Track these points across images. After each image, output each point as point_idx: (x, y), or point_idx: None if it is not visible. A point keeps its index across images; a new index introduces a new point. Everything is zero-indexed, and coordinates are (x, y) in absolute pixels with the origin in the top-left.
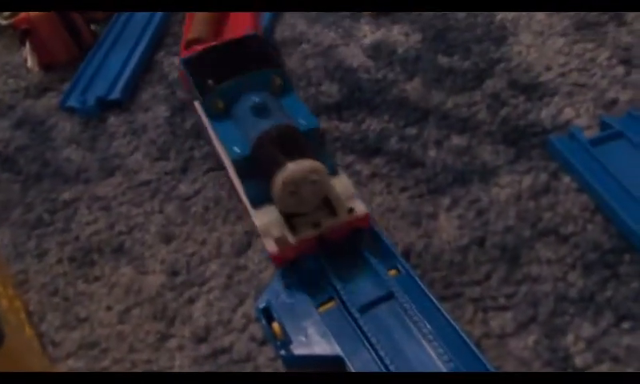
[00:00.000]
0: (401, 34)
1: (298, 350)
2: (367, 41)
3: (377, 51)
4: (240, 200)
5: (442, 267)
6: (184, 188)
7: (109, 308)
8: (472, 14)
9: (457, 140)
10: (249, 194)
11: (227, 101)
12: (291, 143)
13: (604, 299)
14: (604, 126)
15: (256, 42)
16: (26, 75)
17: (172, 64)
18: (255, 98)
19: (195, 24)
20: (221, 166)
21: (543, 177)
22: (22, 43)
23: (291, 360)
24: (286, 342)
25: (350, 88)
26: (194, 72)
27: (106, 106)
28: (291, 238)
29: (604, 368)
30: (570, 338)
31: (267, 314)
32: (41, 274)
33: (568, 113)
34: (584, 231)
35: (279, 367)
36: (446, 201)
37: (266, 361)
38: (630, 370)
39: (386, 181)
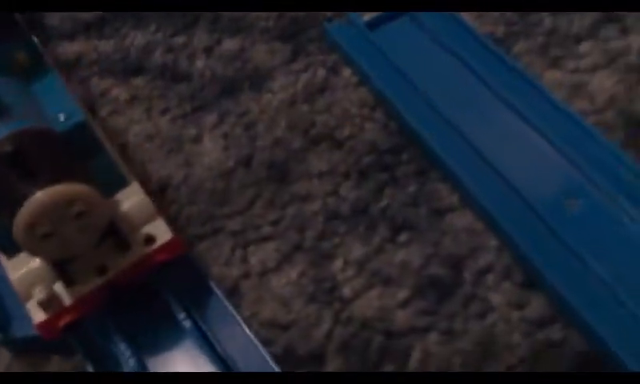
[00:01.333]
0: None
1: (23, 331)
2: None
3: None
4: None
5: (201, 200)
6: None
7: None
8: None
9: (229, 44)
10: None
11: None
12: (40, 158)
13: (379, 210)
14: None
15: None
16: None
17: None
18: None
19: None
20: None
21: (321, 73)
22: None
23: (14, 344)
24: (2, 323)
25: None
26: None
27: None
28: (65, 296)
29: (374, 294)
30: (338, 263)
31: None
32: None
33: None
34: (361, 132)
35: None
36: (211, 118)
37: None
38: (402, 291)
39: (146, 104)
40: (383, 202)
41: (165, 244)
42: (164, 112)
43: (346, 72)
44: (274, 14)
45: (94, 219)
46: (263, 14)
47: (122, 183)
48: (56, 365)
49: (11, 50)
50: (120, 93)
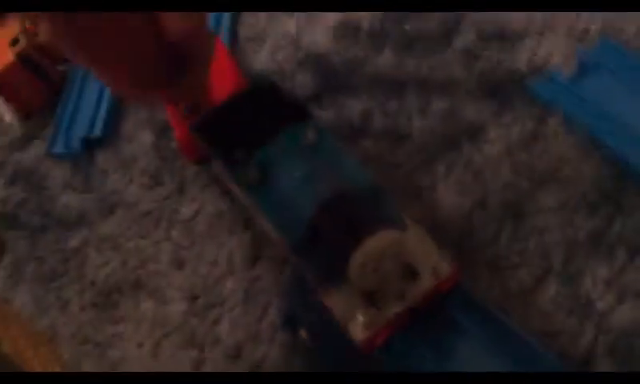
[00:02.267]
0: None
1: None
2: (330, 23)
3: (342, 31)
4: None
5: (451, 237)
6: (185, 210)
7: (140, 345)
8: None
9: (439, 104)
10: (316, 277)
11: (261, 167)
12: (355, 209)
13: (614, 236)
14: (580, 60)
15: (266, 88)
16: (7, 130)
17: None
18: (300, 163)
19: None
20: (216, 180)
21: (530, 124)
22: None
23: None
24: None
25: (324, 74)
26: (212, 139)
27: (91, 144)
28: (379, 319)
29: (627, 307)
30: (587, 282)
31: (291, 321)
32: (68, 324)
33: (542, 53)
34: (581, 171)
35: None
36: (441, 168)
37: (302, 363)
38: None
39: (380, 160)
40: (616, 229)
41: (450, 274)
42: (396, 167)
43: (553, 121)
44: (474, 74)
45: (403, 257)
46: (465, 76)
47: (403, 226)
48: None
49: (303, 129)
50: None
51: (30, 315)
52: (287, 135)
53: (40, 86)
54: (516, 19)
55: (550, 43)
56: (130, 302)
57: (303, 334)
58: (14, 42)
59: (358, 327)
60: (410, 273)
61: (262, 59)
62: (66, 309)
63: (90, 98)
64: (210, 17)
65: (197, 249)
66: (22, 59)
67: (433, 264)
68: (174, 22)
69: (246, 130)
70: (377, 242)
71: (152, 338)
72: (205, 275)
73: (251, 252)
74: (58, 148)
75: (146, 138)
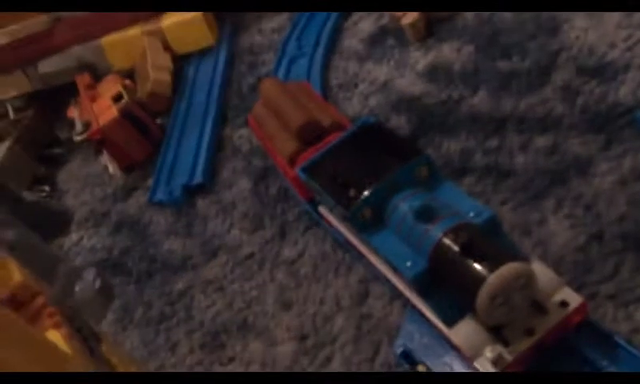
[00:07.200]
0: (452, 50)
1: None
2: (420, 66)
3: (434, 74)
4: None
5: (568, 271)
6: (287, 252)
7: None
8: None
9: (541, 141)
10: (439, 313)
11: (375, 207)
12: (475, 245)
13: None
14: None
15: (371, 127)
16: (109, 182)
17: (241, 136)
18: (416, 202)
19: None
20: (317, 223)
21: None
22: (99, 152)
23: None
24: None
25: (419, 116)
26: (320, 181)
27: (191, 192)
28: (507, 355)
29: None
30: None
31: (408, 358)
32: (177, 366)
33: None
34: None
35: None
36: (550, 203)
37: None
38: None
39: (484, 197)
40: None
41: (577, 307)
42: (503, 203)
43: None
44: (576, 109)
45: (531, 290)
46: (566, 111)
47: (525, 258)
48: None
49: (416, 166)
50: None
51: (141, 357)
52: (399, 172)
53: (141, 139)
54: (616, 54)
55: None
56: (239, 342)
57: (422, 370)
58: (117, 98)
59: (487, 363)
60: (537, 306)
61: (354, 105)
62: (175, 350)
63: (189, 147)
64: (303, 64)
65: (303, 290)
66: (125, 114)
67: (560, 297)
68: None
69: (354, 169)
70: (505, 274)
71: None
72: (313, 315)
73: (359, 292)
74: (160, 196)
75: (245, 184)
